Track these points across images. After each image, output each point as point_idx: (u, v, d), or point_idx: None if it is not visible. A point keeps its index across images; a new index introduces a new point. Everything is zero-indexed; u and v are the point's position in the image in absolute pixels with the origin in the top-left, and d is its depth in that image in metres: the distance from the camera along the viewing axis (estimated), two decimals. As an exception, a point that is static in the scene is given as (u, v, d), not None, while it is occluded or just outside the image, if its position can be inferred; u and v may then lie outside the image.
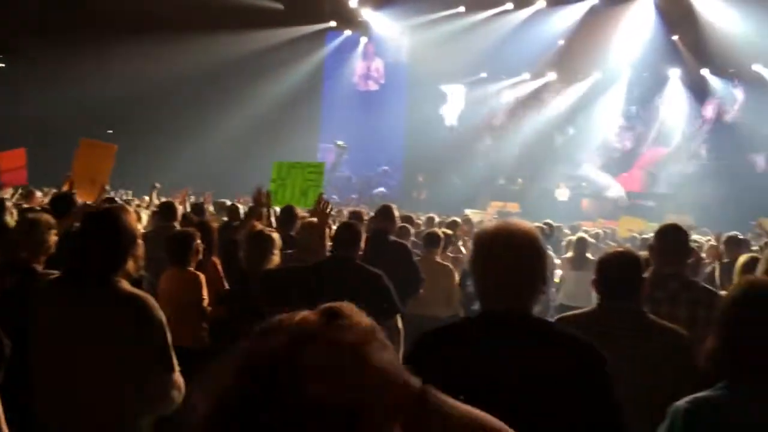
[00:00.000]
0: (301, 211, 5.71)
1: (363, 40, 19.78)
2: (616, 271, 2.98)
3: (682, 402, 1.81)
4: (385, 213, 5.23)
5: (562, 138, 18.34)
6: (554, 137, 18.36)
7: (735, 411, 1.73)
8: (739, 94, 16.51)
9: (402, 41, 19.05)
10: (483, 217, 12.82)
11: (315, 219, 4.34)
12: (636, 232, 11.24)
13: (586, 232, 9.45)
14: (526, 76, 18.34)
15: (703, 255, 6.59)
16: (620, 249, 3.36)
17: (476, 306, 2.09)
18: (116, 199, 7.79)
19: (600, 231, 10.59)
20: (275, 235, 4.02)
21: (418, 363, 2.01)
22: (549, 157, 18.12)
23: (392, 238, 5.15)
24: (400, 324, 4.07)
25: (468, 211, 13.44)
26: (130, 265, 2.62)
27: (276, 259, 3.96)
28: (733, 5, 15.38)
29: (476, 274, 1.96)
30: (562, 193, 17.23)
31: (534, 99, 18.53)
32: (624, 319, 2.89)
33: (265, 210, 4.77)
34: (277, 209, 5.69)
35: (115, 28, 15.80)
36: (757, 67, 15.78)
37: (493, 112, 19.03)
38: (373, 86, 20.28)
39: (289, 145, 14.78)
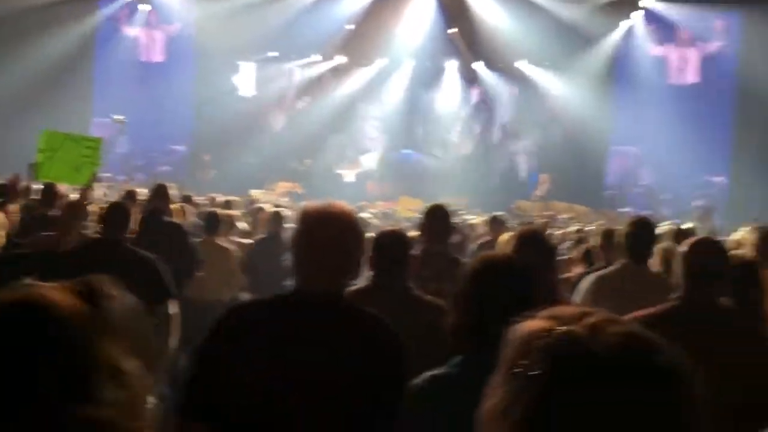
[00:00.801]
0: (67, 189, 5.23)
1: (144, 7, 18.53)
2: (386, 249, 3.12)
3: (417, 379, 1.87)
4: (159, 192, 4.97)
5: (350, 120, 18.76)
6: (343, 119, 18.72)
7: (469, 385, 1.83)
8: (507, 87, 18.01)
9: (189, 12, 18.17)
10: (270, 197, 12.74)
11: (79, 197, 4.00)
12: (416, 212, 11.83)
13: (369, 212, 9.79)
14: (317, 57, 18.46)
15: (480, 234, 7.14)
16: (392, 228, 3.52)
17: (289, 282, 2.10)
18: None
19: (377, 211, 11.02)
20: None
21: (222, 337, 1.97)
22: (338, 138, 18.47)
23: (167, 218, 4.91)
24: (173, 309, 3.90)
25: (255, 192, 13.27)
26: None
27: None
28: (502, 4, 16.75)
29: (296, 252, 1.97)
30: (349, 175, 17.68)
31: (325, 81, 18.73)
32: (391, 293, 3.03)
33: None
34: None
35: None
36: (520, 64, 17.34)
37: (285, 92, 18.93)
38: (157, 57, 19.13)
39: (58, 117, 13.46)
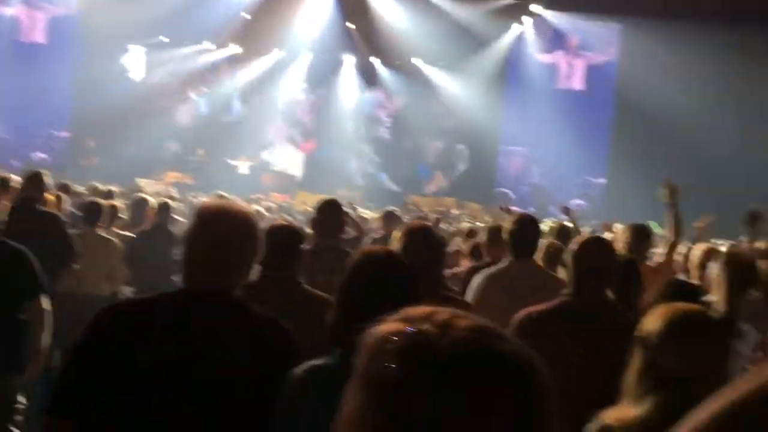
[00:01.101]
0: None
1: (22, -16, 17.36)
2: (277, 243, 3.08)
3: (297, 369, 1.87)
4: (33, 180, 4.66)
5: (246, 111, 18.39)
6: (239, 110, 18.33)
7: (346, 380, 1.82)
8: (403, 84, 18.23)
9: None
10: (158, 188, 12.28)
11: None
12: (311, 206, 11.77)
13: (261, 204, 9.63)
14: (211, 45, 17.95)
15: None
16: (284, 222, 3.51)
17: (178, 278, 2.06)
18: None
19: (273, 204, 10.88)
20: None
21: (101, 333, 1.89)
22: (233, 129, 18.05)
23: (41, 208, 4.62)
24: (45, 304, 3.67)
25: (142, 181, 12.74)
26: None
27: None
28: (399, 1, 16.93)
29: (189, 247, 1.95)
30: (243, 167, 17.34)
31: (218, 70, 18.25)
32: (281, 288, 3.01)
33: None
34: None
35: None
36: (416, 61, 17.61)
37: (177, 79, 18.26)
38: (38, 38, 17.97)
39: None
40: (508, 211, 6.57)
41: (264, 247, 3.03)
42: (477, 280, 3.62)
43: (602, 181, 17.10)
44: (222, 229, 1.91)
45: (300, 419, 1.79)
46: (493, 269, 3.74)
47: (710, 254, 3.92)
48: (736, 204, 12.45)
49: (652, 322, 1.87)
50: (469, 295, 3.55)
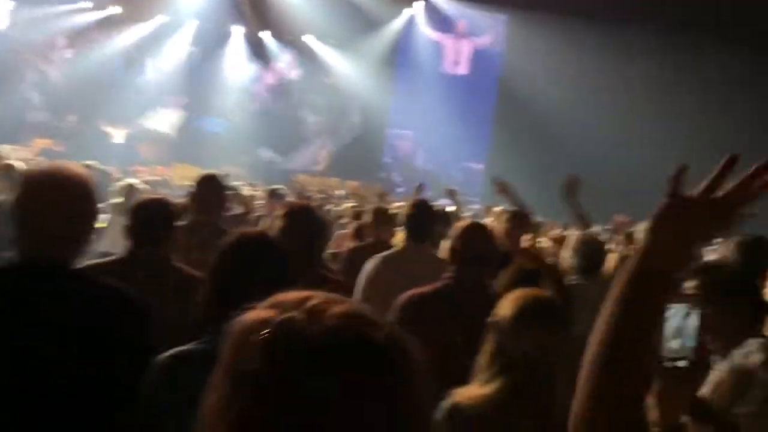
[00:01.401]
0: None
1: None
2: (146, 218, 2.92)
3: (162, 356, 1.77)
4: None
5: (125, 76, 17.41)
6: (116, 75, 17.33)
7: (214, 364, 1.75)
8: (292, 60, 17.91)
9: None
10: (26, 154, 11.40)
11: None
12: (191, 180, 11.35)
13: (139, 178, 9.17)
14: (87, 4, 16.82)
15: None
16: (154, 196, 3.31)
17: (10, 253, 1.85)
18: None
19: (151, 177, 10.41)
20: None
21: None
22: (109, 95, 17.04)
23: None
24: None
25: (6, 147, 11.77)
26: None
27: None
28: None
29: (19, 219, 1.77)
30: (119, 135, 16.44)
31: (97, 31, 17.13)
32: (150, 265, 2.85)
33: None
34: None
35: None
36: (307, 38, 17.35)
37: (48, 38, 16.96)
38: None
39: None
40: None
41: (131, 223, 2.87)
42: (371, 263, 3.59)
43: (481, 167, 17.62)
44: (50, 198, 1.74)
45: (165, 410, 1.68)
46: (387, 252, 3.74)
47: (562, 241, 4.16)
48: (609, 196, 13.24)
49: (504, 307, 1.94)
50: (362, 277, 3.52)
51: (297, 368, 0.73)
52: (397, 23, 17.68)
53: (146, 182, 9.15)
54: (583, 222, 4.40)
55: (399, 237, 4.82)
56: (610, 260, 4.33)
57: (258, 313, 0.78)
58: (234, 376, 0.76)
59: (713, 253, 3.88)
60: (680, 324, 1.47)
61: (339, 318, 0.77)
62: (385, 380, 0.76)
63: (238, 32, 17.55)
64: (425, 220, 3.62)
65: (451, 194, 6.32)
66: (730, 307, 2.09)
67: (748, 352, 1.79)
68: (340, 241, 5.78)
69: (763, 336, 2.19)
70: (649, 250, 1.00)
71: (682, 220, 1.00)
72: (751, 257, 3.36)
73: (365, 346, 0.76)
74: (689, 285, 2.45)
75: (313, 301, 0.78)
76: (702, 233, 1.02)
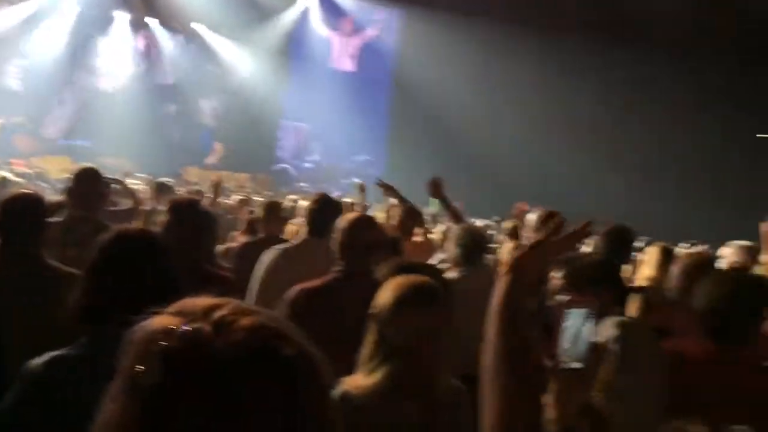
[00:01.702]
0: None
1: None
2: (16, 213, 2.75)
3: (33, 362, 1.67)
4: None
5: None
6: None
7: (92, 369, 1.66)
8: (181, 49, 17.29)
9: None
10: None
11: None
12: (69, 173, 10.77)
13: (12, 171, 8.61)
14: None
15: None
16: (25, 192, 3.14)
17: None
18: None
19: (30, 171, 9.80)
20: None
21: None
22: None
23: None
24: None
25: None
26: None
27: None
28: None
29: None
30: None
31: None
32: (19, 263, 2.69)
33: None
34: None
35: None
36: (197, 27, 16.83)
37: None
38: None
39: None
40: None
41: (1, 218, 2.67)
42: (270, 255, 3.51)
43: (377, 160, 17.72)
44: None
45: (36, 419, 1.56)
46: (286, 245, 3.68)
47: (446, 233, 4.33)
48: (501, 186, 13.64)
49: (382, 297, 1.95)
50: (261, 269, 3.44)
51: (201, 383, 0.69)
52: (291, 15, 17.47)
53: (20, 175, 8.58)
54: (456, 216, 4.50)
55: (290, 230, 4.75)
56: (504, 250, 4.48)
57: (161, 320, 0.73)
58: (133, 388, 0.70)
59: (587, 245, 4.13)
60: (577, 330, 1.58)
61: (247, 331, 0.73)
62: (294, 395, 0.73)
63: (122, 18, 16.75)
64: (327, 214, 3.58)
65: (362, 189, 6.34)
66: (592, 294, 2.24)
67: (604, 328, 1.91)
68: (232, 235, 5.65)
69: (622, 315, 2.43)
70: (512, 278, 1.39)
71: (537, 255, 1.45)
72: (615, 246, 3.71)
73: (273, 362, 0.73)
74: (556, 275, 2.64)
75: (221, 312, 0.74)
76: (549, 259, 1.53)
